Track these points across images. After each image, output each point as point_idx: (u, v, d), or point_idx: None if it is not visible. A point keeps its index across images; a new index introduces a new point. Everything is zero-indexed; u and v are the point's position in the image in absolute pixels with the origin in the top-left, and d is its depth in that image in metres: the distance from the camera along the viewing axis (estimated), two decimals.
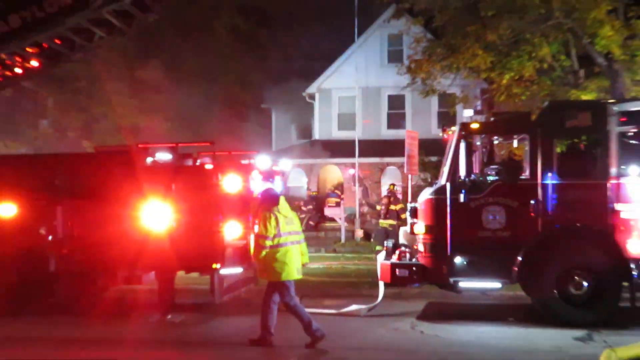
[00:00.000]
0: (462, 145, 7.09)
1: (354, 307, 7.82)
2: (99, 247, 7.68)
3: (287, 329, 6.96)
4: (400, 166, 16.65)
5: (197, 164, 8.06)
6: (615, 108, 7.02)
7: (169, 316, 7.58)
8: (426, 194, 7.47)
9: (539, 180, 6.99)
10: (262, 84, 22.47)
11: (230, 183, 7.53)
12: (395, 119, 20.10)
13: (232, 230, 7.71)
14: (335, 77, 20.54)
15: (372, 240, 15.41)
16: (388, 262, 7.46)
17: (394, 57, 19.53)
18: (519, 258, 6.93)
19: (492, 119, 7.74)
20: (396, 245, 7.75)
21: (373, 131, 19.93)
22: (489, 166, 7.65)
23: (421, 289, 8.63)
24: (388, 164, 19.24)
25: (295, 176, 19.84)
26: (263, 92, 22.44)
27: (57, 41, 8.74)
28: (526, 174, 7.15)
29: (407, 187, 12.29)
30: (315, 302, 8.59)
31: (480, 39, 11.20)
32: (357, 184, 18.13)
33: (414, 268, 7.29)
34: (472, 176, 7.21)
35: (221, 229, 7.53)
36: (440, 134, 8.15)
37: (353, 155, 17.76)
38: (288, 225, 6.23)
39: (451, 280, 7.14)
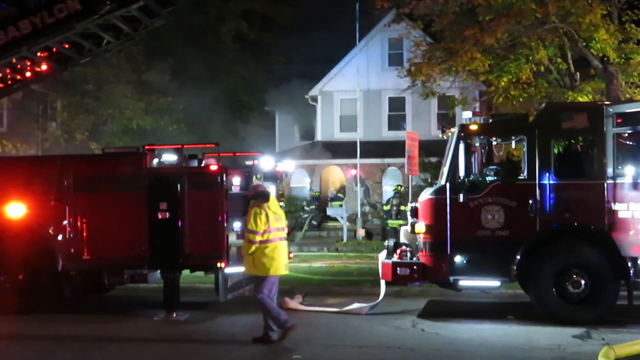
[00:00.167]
0: (462, 146, 7.20)
1: (355, 305, 7.92)
2: (105, 246, 7.82)
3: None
4: (401, 167, 16.80)
5: (203, 165, 8.23)
6: (611, 110, 7.11)
7: (175, 314, 7.67)
8: (426, 194, 7.57)
9: (537, 181, 7.09)
10: (266, 87, 22.65)
11: (235, 183, 7.66)
12: (396, 121, 20.26)
13: (236, 230, 7.84)
14: (337, 80, 20.70)
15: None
16: (389, 261, 7.54)
17: (395, 60, 19.68)
18: (518, 257, 7.03)
19: (490, 120, 7.83)
20: (397, 245, 7.87)
21: (374, 133, 20.09)
22: (487, 167, 7.73)
23: (422, 288, 8.76)
24: (389, 165, 19.38)
25: (298, 177, 20.00)
26: (267, 95, 22.62)
27: (66, 45, 8.91)
28: (524, 175, 7.26)
29: (408, 187, 12.42)
30: (318, 300, 8.75)
31: (478, 43, 11.33)
32: (358, 184, 18.27)
33: (414, 267, 7.37)
34: (471, 176, 7.32)
35: (226, 229, 7.66)
36: (440, 135, 8.30)
37: (355, 156, 17.91)
38: (277, 221, 6.34)
39: (451, 278, 7.23)
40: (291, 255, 9.51)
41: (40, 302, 7.96)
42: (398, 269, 7.43)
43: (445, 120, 16.33)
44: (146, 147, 8.11)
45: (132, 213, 7.74)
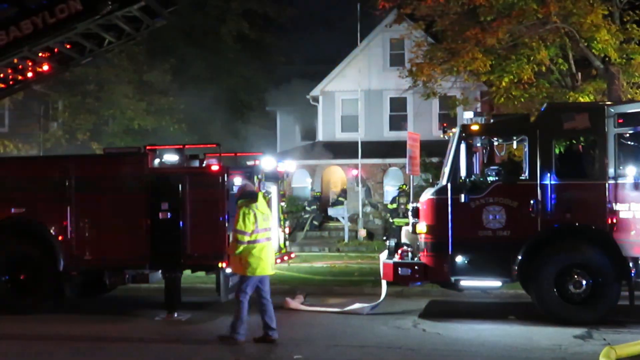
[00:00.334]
0: (463, 146, 7.21)
1: (357, 306, 7.93)
2: (107, 246, 7.84)
3: (290, 327, 7.11)
4: (402, 167, 16.78)
5: (204, 165, 8.23)
6: (613, 110, 7.12)
7: (176, 314, 7.69)
8: (428, 194, 7.58)
9: (538, 181, 7.10)
10: (267, 87, 22.67)
11: (236, 184, 7.67)
12: (397, 121, 20.27)
13: None
14: (339, 80, 20.71)
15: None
16: (390, 261, 7.55)
17: (396, 60, 19.68)
18: (519, 257, 7.03)
19: (491, 120, 7.83)
20: (399, 245, 7.88)
21: (375, 133, 20.10)
22: (489, 167, 7.75)
23: (423, 288, 8.76)
24: (390, 165, 19.38)
25: (300, 177, 20.00)
26: (268, 95, 22.63)
27: (67, 46, 8.93)
28: (525, 175, 7.26)
29: (410, 188, 12.42)
30: (319, 300, 8.75)
31: (480, 43, 11.33)
32: (360, 185, 18.29)
33: (416, 267, 7.38)
34: (473, 177, 7.34)
35: (227, 229, 7.67)
36: (441, 136, 8.30)
37: (356, 157, 17.92)
38: (265, 221, 6.36)
39: (452, 278, 7.24)
40: (292, 255, 9.54)
41: (41, 302, 7.98)
42: (399, 269, 7.44)
43: (447, 120, 16.31)
44: (147, 147, 8.12)
45: (134, 213, 7.76)
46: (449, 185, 7.25)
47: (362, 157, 17.89)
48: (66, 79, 15.89)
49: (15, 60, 8.89)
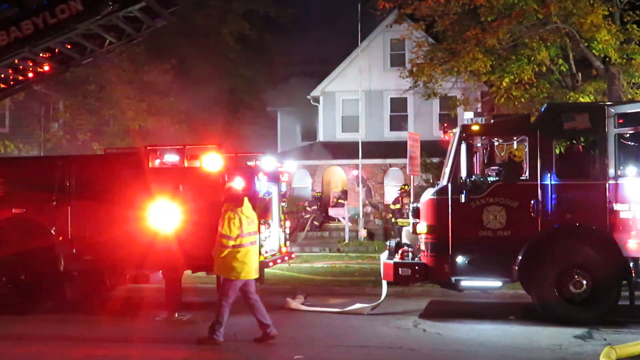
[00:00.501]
0: (463, 146, 7.22)
1: (357, 306, 7.94)
2: (107, 247, 7.85)
3: (291, 328, 7.12)
4: (403, 167, 16.82)
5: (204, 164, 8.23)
6: (613, 110, 7.13)
7: (177, 314, 7.70)
8: (428, 194, 7.59)
9: (539, 181, 7.10)
10: (268, 87, 22.66)
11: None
12: (398, 121, 20.28)
13: None
14: (339, 80, 20.72)
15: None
16: (391, 261, 7.56)
17: (396, 61, 19.70)
18: (520, 257, 7.04)
19: (492, 121, 7.82)
20: (399, 245, 7.89)
21: (376, 133, 20.10)
22: (489, 167, 7.77)
23: (423, 288, 8.78)
24: (391, 165, 19.38)
25: (300, 177, 20.01)
26: (269, 95, 22.62)
27: (68, 46, 8.93)
28: (526, 175, 7.27)
29: (410, 188, 12.44)
30: (320, 300, 8.76)
31: (480, 43, 11.35)
32: (360, 185, 18.29)
33: (416, 267, 7.39)
34: (473, 177, 7.34)
35: None
36: (442, 136, 8.30)
37: (356, 157, 17.92)
38: (249, 225, 6.36)
39: (453, 279, 7.25)
40: (293, 255, 9.55)
41: (42, 302, 7.99)
42: (400, 269, 7.45)
43: (447, 120, 16.32)
44: (148, 147, 8.13)
45: (134, 213, 7.76)
46: (449, 185, 7.26)
47: (363, 157, 17.91)
48: (67, 80, 15.90)
49: (16, 61, 8.90)
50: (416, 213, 7.76)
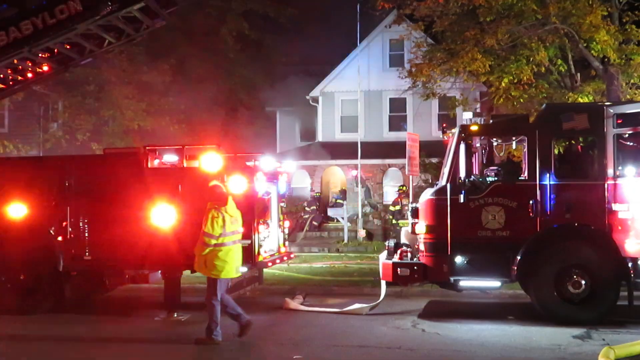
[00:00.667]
0: (462, 146, 7.22)
1: (356, 306, 7.94)
2: (106, 247, 7.85)
3: (290, 328, 7.13)
4: (402, 167, 16.83)
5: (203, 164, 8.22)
6: (612, 110, 7.14)
7: (175, 314, 7.70)
8: (427, 194, 7.60)
9: (537, 181, 7.11)
10: (267, 87, 22.66)
11: (235, 184, 7.70)
12: (397, 122, 20.30)
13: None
14: (338, 80, 20.74)
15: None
16: (390, 262, 7.56)
17: (395, 61, 19.71)
18: (518, 257, 7.04)
19: (491, 121, 7.85)
20: (398, 245, 7.89)
21: (375, 133, 20.11)
22: (488, 167, 7.76)
23: (422, 288, 8.79)
24: (390, 165, 19.40)
25: (299, 177, 20.01)
26: (268, 95, 22.62)
27: (67, 46, 8.93)
28: (525, 175, 7.28)
29: (409, 188, 12.45)
30: (319, 300, 8.77)
31: (479, 44, 11.37)
32: (359, 185, 18.30)
33: (415, 267, 7.40)
34: (472, 177, 7.34)
35: None
36: (441, 136, 8.31)
37: (355, 157, 17.93)
38: (233, 224, 6.38)
39: (452, 279, 7.25)
40: (292, 255, 9.55)
41: (41, 302, 7.99)
42: (399, 269, 7.45)
43: (446, 121, 16.34)
44: (147, 147, 8.13)
45: (133, 213, 7.76)
46: (448, 185, 7.26)
47: (362, 157, 17.91)
48: (66, 80, 15.88)
49: (15, 61, 8.90)
50: (415, 213, 7.77)
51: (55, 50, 9.01)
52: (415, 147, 10.65)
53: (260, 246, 7.94)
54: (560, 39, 11.73)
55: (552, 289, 7.04)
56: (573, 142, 7.89)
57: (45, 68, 9.33)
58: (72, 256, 7.95)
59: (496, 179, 7.39)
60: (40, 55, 8.92)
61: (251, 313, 7.10)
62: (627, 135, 7.17)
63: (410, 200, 13.78)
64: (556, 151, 7.51)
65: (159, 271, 8.01)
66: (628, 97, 11.76)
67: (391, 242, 7.93)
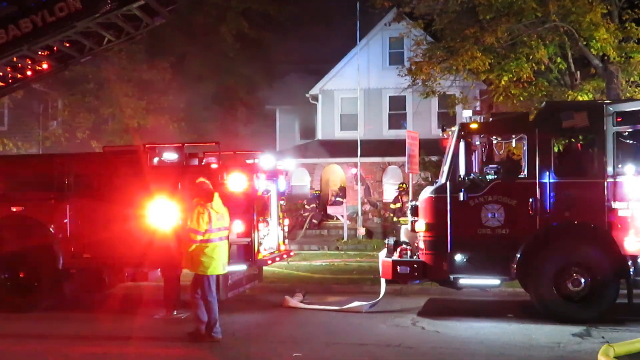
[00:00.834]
0: (462, 145, 7.22)
1: (356, 304, 7.94)
2: (106, 245, 7.85)
3: (289, 326, 7.13)
4: (401, 165, 16.82)
5: (203, 163, 8.24)
6: (611, 108, 7.14)
7: (175, 312, 7.70)
8: (427, 192, 7.59)
9: (537, 179, 7.11)
10: (267, 85, 22.66)
11: (235, 182, 7.70)
12: (396, 120, 20.29)
13: (236, 229, 7.86)
14: (338, 78, 20.72)
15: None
16: (389, 260, 7.57)
17: (395, 59, 19.70)
18: (518, 255, 7.05)
19: (491, 119, 7.85)
20: (397, 243, 7.89)
21: (375, 131, 20.11)
22: (488, 165, 7.74)
23: (422, 286, 8.77)
24: (389, 164, 19.40)
25: (299, 175, 20.02)
26: (267, 93, 22.62)
27: (67, 44, 8.93)
28: (524, 173, 7.27)
29: (409, 186, 12.45)
30: (318, 298, 8.77)
31: (479, 42, 11.36)
32: (359, 183, 18.31)
33: (414, 265, 7.40)
34: (472, 175, 7.34)
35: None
36: (440, 134, 8.31)
37: (355, 155, 17.93)
38: (219, 221, 6.38)
39: (451, 277, 7.26)
40: (291, 253, 9.56)
41: (40, 300, 7.99)
42: (398, 267, 7.45)
43: (446, 119, 16.36)
44: (147, 145, 8.13)
45: (133, 211, 7.76)
46: (448, 183, 7.26)
47: (362, 155, 17.91)
48: (66, 78, 15.88)
49: (15, 59, 8.90)
50: (415, 211, 7.76)
51: (55, 48, 9.01)
52: (415, 145, 10.66)
53: (259, 244, 7.94)
54: (560, 37, 11.72)
55: (551, 287, 7.04)
56: (573, 140, 7.88)
57: (45, 66, 9.33)
58: (72, 254, 7.95)
59: (496, 177, 7.38)
60: (39, 53, 8.93)
61: (251, 311, 7.13)
62: (626, 133, 7.15)
63: (410, 198, 13.82)
64: (556, 149, 7.51)
65: (159, 269, 8.02)
66: (628, 95, 11.75)
67: (391, 240, 7.92)
